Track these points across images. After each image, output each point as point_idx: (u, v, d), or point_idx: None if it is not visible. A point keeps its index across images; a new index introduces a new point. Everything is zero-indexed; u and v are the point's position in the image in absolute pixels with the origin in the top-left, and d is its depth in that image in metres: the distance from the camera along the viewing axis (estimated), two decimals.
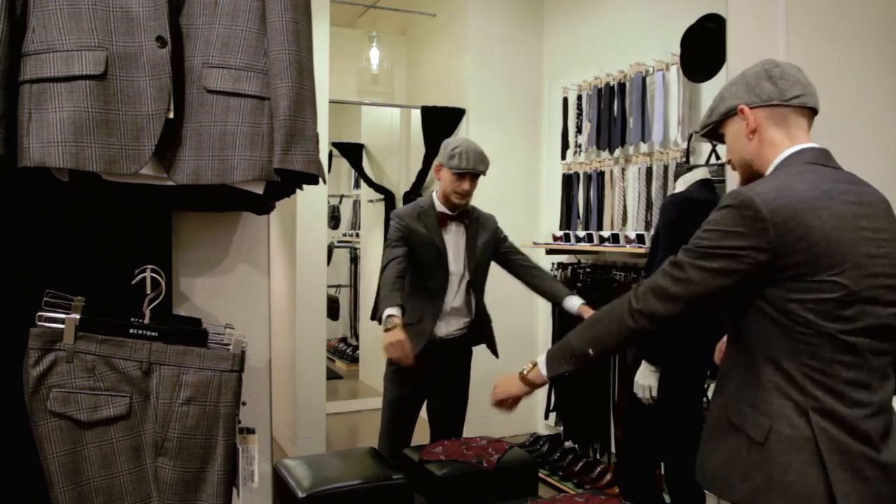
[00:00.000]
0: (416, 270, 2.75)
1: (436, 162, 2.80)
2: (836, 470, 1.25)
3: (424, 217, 2.76)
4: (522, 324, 4.65)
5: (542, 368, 1.62)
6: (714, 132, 1.52)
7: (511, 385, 1.67)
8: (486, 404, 4.91)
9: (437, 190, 2.82)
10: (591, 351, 1.50)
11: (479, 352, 3.01)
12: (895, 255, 1.33)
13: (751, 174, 1.45)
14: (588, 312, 2.75)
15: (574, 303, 2.85)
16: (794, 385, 1.29)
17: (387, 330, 2.51)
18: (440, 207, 2.79)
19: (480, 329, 2.94)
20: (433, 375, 2.81)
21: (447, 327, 2.82)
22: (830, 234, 1.26)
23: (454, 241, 2.80)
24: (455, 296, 2.82)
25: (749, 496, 1.31)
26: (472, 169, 2.69)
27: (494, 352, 3.00)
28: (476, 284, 2.88)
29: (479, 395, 4.51)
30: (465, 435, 2.93)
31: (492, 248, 2.90)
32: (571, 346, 1.55)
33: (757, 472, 1.31)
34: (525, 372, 1.67)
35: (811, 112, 1.42)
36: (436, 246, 2.74)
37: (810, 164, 1.35)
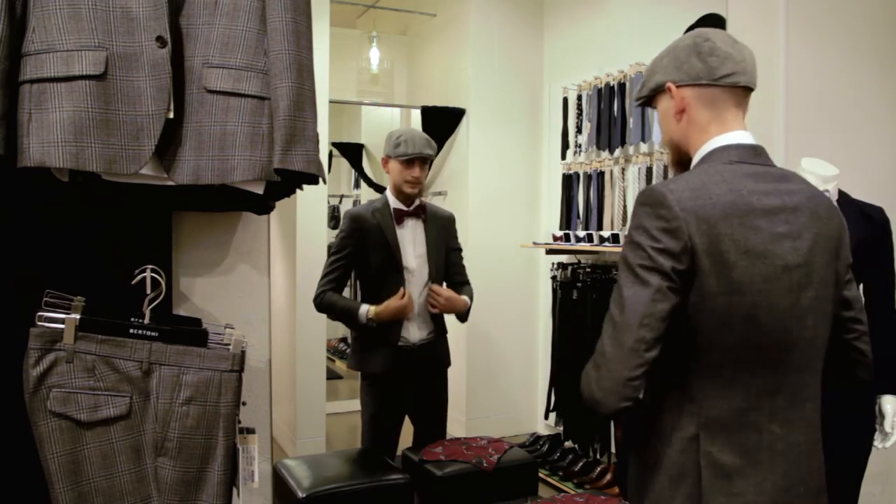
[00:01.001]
0: (372, 273, 2.66)
1: (382, 155, 2.74)
2: (714, 493, 1.18)
3: (378, 215, 2.67)
4: (523, 324, 4.65)
5: None
6: (647, 105, 1.41)
7: None
8: (486, 404, 4.92)
9: (389, 186, 2.75)
10: None
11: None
12: (813, 262, 1.23)
13: (679, 155, 1.36)
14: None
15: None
16: (693, 406, 1.21)
17: (378, 318, 2.55)
18: (395, 203, 2.70)
19: (438, 338, 2.78)
20: (409, 386, 2.70)
21: (418, 332, 2.70)
22: (740, 245, 1.16)
23: (411, 237, 2.70)
24: (419, 297, 2.69)
25: None
26: (419, 153, 2.63)
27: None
28: (439, 283, 2.76)
29: (479, 396, 4.51)
30: (465, 435, 2.93)
31: (443, 247, 2.78)
32: None
33: (648, 495, 1.27)
34: None
35: (745, 90, 1.29)
36: (388, 245, 2.64)
37: (734, 164, 1.24)
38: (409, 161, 2.65)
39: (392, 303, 2.57)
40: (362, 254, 2.65)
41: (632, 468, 1.33)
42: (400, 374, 2.65)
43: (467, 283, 2.85)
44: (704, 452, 1.19)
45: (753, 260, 1.17)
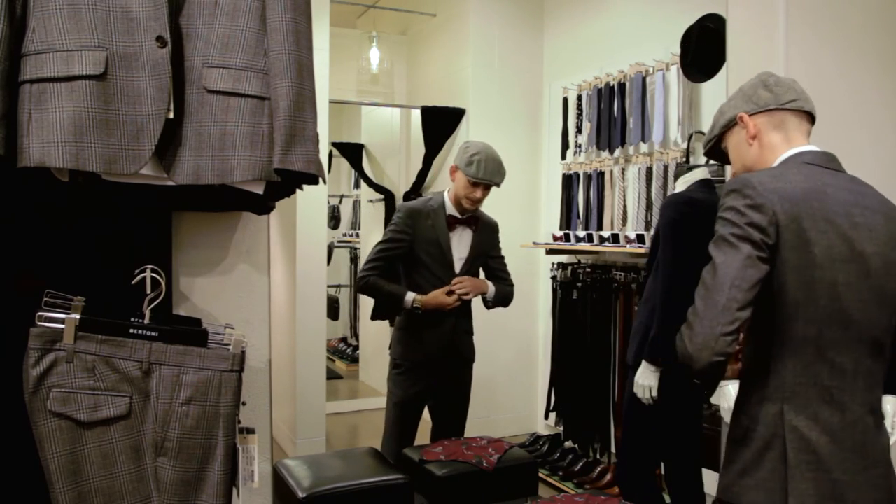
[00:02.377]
0: (421, 270, 2.76)
1: (453, 162, 2.80)
2: (801, 467, 1.26)
3: (434, 216, 2.77)
4: (523, 324, 4.65)
5: None
6: (717, 148, 1.57)
7: None
8: (486, 404, 4.93)
9: (449, 190, 2.83)
10: None
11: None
12: (889, 256, 1.33)
13: None
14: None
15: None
16: (776, 381, 1.30)
17: (424, 306, 2.66)
18: (450, 209, 2.80)
19: (470, 338, 2.95)
20: (438, 377, 2.82)
21: (454, 335, 2.83)
22: (819, 225, 1.27)
23: (458, 243, 2.81)
24: (461, 302, 2.83)
25: (725, 489, 1.35)
26: (488, 180, 2.70)
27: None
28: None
29: (479, 396, 4.52)
30: (466, 435, 2.93)
31: (485, 255, 2.92)
32: None
33: (733, 467, 1.35)
34: None
35: (808, 116, 1.46)
36: (441, 247, 2.75)
37: (808, 164, 1.37)
38: (476, 183, 2.72)
39: (439, 296, 2.70)
40: (412, 248, 2.74)
41: (725, 446, 1.42)
42: (438, 366, 2.79)
43: (507, 282, 2.98)
44: (790, 427, 1.27)
45: (833, 239, 1.28)
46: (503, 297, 2.93)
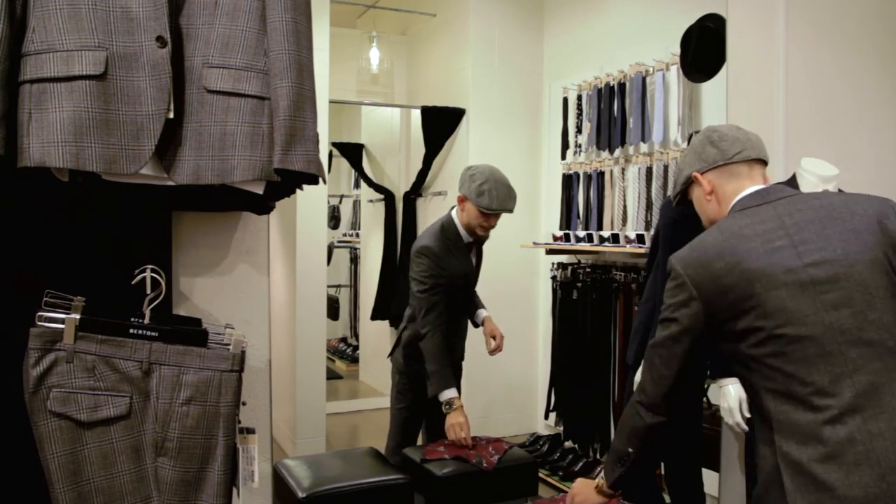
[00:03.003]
0: (450, 304, 2.69)
1: (459, 192, 2.63)
2: (801, 491, 1.26)
3: (455, 250, 2.68)
4: (522, 324, 4.65)
5: (604, 479, 1.69)
6: (684, 200, 1.65)
7: (590, 496, 1.71)
8: (486, 404, 4.91)
9: (457, 216, 2.69)
10: (630, 450, 1.58)
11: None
12: (832, 258, 1.33)
13: None
14: (489, 322, 2.88)
15: (479, 316, 2.93)
16: (768, 414, 1.34)
17: (447, 412, 2.54)
18: (467, 238, 2.70)
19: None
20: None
21: (460, 345, 2.90)
22: (735, 269, 1.34)
23: (470, 266, 2.83)
24: (464, 322, 2.89)
25: None
26: (502, 209, 2.58)
27: None
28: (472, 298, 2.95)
29: (479, 396, 4.51)
30: None
31: (480, 267, 2.94)
32: (616, 450, 1.62)
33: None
34: (599, 484, 1.71)
35: (758, 161, 1.53)
36: (467, 277, 2.76)
37: (736, 212, 1.45)
38: (490, 213, 2.60)
39: (462, 420, 2.53)
40: (445, 285, 2.64)
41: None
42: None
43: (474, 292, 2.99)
44: (782, 454, 1.30)
45: (752, 276, 1.33)
46: (475, 306, 2.98)
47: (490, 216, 2.60)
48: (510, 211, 2.63)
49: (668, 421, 1.49)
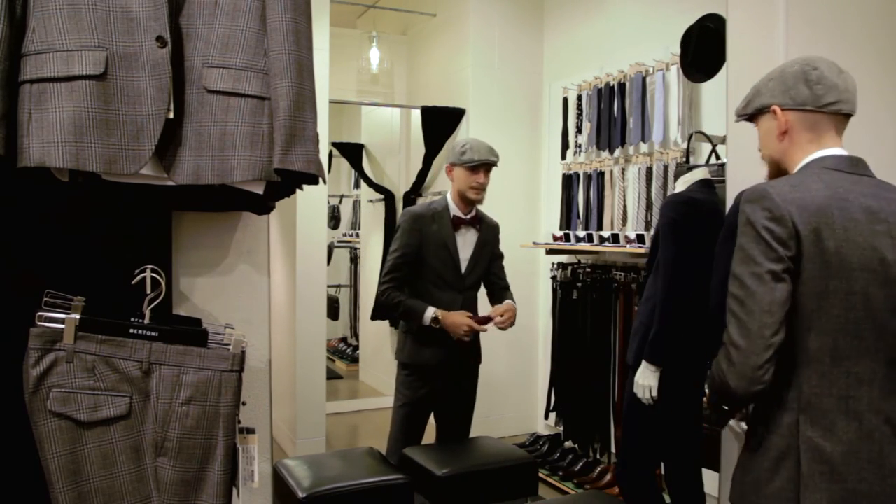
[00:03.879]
0: (429, 274, 2.77)
1: (446, 163, 2.84)
2: (814, 477, 1.25)
3: (439, 219, 2.79)
4: (523, 324, 4.64)
5: None
6: (750, 120, 1.53)
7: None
8: (486, 404, 4.91)
9: (450, 192, 2.86)
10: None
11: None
12: None
13: (778, 171, 1.47)
14: (506, 303, 2.87)
15: (503, 301, 2.93)
16: (791, 392, 1.30)
17: (438, 324, 2.64)
18: (455, 210, 2.83)
19: (477, 336, 2.94)
20: (446, 379, 2.82)
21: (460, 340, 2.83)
22: (838, 234, 1.26)
23: (464, 244, 2.83)
24: (465, 299, 2.85)
25: (741, 497, 1.36)
26: (486, 159, 2.75)
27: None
28: (477, 288, 2.92)
29: (479, 396, 4.52)
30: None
31: (489, 255, 2.92)
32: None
33: (747, 476, 1.35)
34: None
35: (846, 117, 1.41)
36: (448, 250, 2.76)
37: (829, 169, 1.35)
38: (475, 167, 2.76)
39: (457, 317, 2.68)
40: (420, 253, 2.75)
41: (740, 455, 1.42)
42: (448, 368, 2.79)
43: (507, 287, 2.98)
44: (805, 438, 1.27)
45: (852, 248, 1.26)
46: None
47: (477, 172, 2.77)
48: (494, 163, 2.79)
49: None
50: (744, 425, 1.81)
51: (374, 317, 5.24)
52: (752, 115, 1.49)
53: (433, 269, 2.76)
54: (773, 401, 1.33)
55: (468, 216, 2.84)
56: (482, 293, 2.99)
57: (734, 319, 1.29)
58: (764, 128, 1.47)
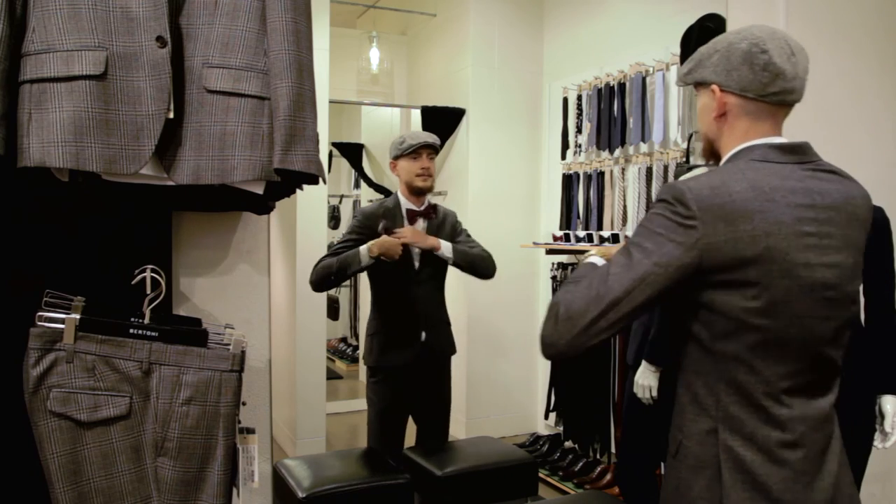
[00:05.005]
0: (384, 275, 2.72)
1: (390, 161, 2.81)
2: (736, 488, 1.19)
3: (391, 215, 2.74)
4: (523, 324, 4.65)
5: None
6: (688, 85, 1.41)
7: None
8: (486, 404, 4.91)
9: (399, 188, 2.81)
10: None
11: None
12: (843, 263, 1.23)
13: (711, 151, 1.37)
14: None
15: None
16: (709, 399, 1.23)
17: (375, 256, 2.60)
18: (407, 204, 2.77)
19: (447, 329, 2.89)
20: (417, 378, 2.78)
21: (428, 332, 2.78)
22: (759, 241, 1.16)
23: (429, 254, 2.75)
24: (428, 295, 2.79)
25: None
26: (423, 142, 2.72)
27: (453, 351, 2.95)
28: (438, 279, 2.85)
29: (479, 396, 4.50)
30: (466, 435, 2.93)
31: (450, 241, 2.84)
32: None
33: (669, 483, 1.31)
34: None
35: (790, 105, 1.30)
36: (404, 247, 2.68)
37: (757, 162, 1.24)
38: (416, 152, 2.72)
39: (385, 240, 2.63)
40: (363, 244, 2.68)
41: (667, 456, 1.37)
42: (417, 366, 2.74)
43: (484, 254, 2.85)
44: (724, 447, 1.21)
45: (774, 254, 1.17)
46: (466, 255, 2.78)
47: (419, 157, 2.72)
48: (434, 145, 2.75)
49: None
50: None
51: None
52: (692, 84, 1.37)
53: (387, 264, 2.66)
54: (689, 406, 1.27)
55: (422, 208, 2.78)
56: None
57: (586, 289, 1.21)
58: (702, 101, 1.35)
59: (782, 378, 1.20)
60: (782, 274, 1.18)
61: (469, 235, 2.91)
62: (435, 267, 2.79)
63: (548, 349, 1.26)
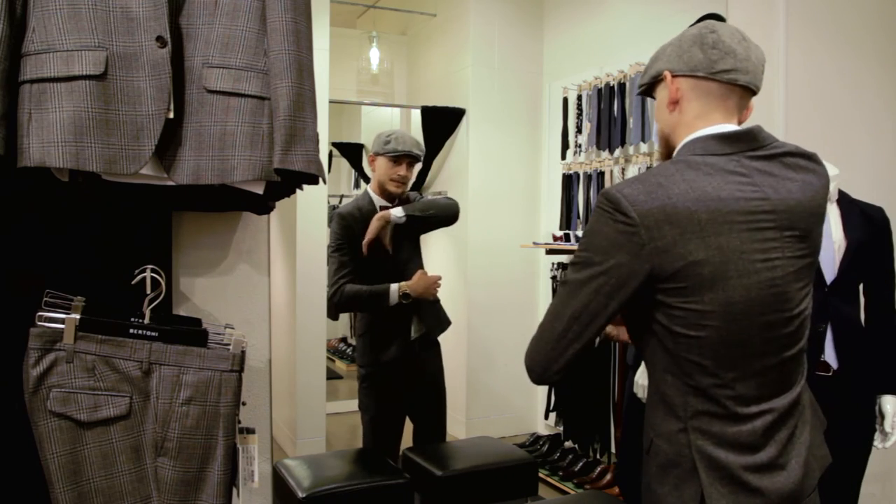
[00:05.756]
0: (368, 273, 2.67)
1: (370, 153, 2.77)
2: (715, 485, 1.18)
3: (364, 213, 2.69)
4: (523, 324, 4.65)
5: None
6: (648, 93, 1.37)
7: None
8: (486, 404, 4.92)
9: (370, 185, 2.78)
10: None
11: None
12: (797, 261, 1.21)
13: (668, 149, 1.32)
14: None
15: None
16: (677, 399, 1.22)
17: (410, 299, 2.59)
18: (380, 202, 2.74)
19: (438, 315, 2.84)
20: (409, 381, 2.76)
21: (419, 313, 2.75)
22: (710, 242, 1.13)
23: (396, 233, 2.70)
24: (410, 276, 2.72)
25: (642, 497, 1.32)
26: (409, 151, 2.68)
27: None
28: (419, 258, 2.82)
29: (479, 396, 4.51)
30: (466, 435, 2.93)
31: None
32: None
33: (643, 480, 1.30)
34: None
35: (744, 90, 1.24)
36: (380, 241, 2.65)
37: (697, 157, 1.19)
38: (397, 159, 2.68)
39: (423, 281, 2.63)
40: (355, 250, 2.66)
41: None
42: (410, 355, 2.72)
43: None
44: (696, 447, 1.20)
45: (728, 255, 1.14)
46: (416, 206, 2.71)
47: (399, 164, 2.68)
48: (418, 158, 2.71)
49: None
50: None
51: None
52: (650, 85, 1.33)
53: (371, 264, 2.65)
54: (659, 406, 1.25)
55: (395, 202, 2.73)
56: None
57: (547, 316, 1.23)
58: (659, 98, 1.30)
59: (744, 379, 1.19)
60: (737, 273, 1.15)
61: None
62: (408, 246, 2.76)
63: (530, 374, 1.27)
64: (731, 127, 1.23)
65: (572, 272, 1.21)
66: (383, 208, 2.70)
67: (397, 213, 2.64)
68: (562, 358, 1.22)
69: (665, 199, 1.13)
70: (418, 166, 2.75)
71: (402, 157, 2.68)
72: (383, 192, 2.73)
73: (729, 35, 1.22)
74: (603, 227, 1.17)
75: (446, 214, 2.75)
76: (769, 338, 1.19)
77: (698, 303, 1.15)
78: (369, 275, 2.66)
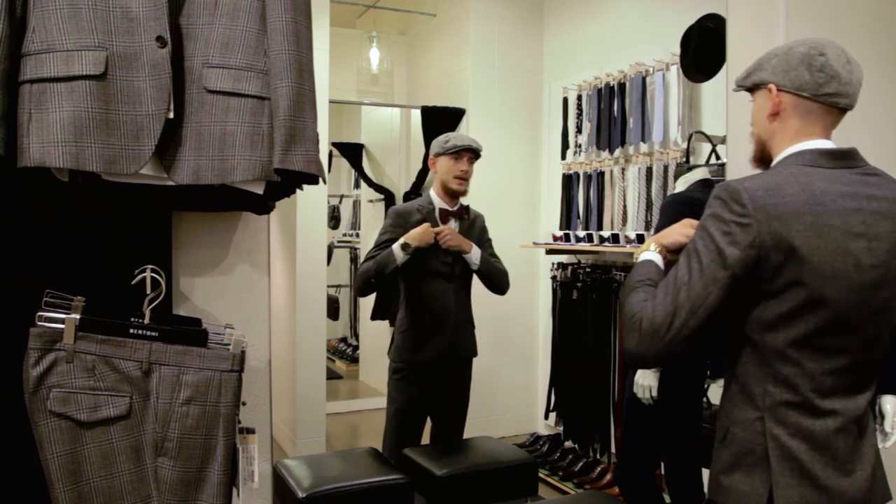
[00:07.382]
0: (419, 267, 2.74)
1: (431, 157, 2.85)
2: (784, 474, 1.26)
3: (426, 213, 2.78)
4: (523, 324, 4.65)
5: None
6: (748, 91, 1.48)
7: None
8: (486, 404, 4.92)
9: (433, 188, 2.86)
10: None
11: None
12: (891, 265, 1.29)
13: (762, 153, 1.44)
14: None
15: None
16: (756, 388, 1.30)
17: (412, 249, 2.65)
18: (440, 204, 2.82)
19: (472, 330, 2.93)
20: (440, 378, 2.81)
21: (455, 332, 2.82)
22: (811, 241, 1.23)
23: (459, 256, 2.80)
24: (456, 296, 2.82)
25: (710, 488, 1.39)
26: (468, 145, 2.76)
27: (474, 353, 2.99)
28: (467, 277, 2.90)
29: (479, 396, 4.52)
30: (466, 435, 2.93)
31: (477, 244, 2.89)
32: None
33: (715, 467, 1.37)
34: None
35: (841, 111, 1.36)
36: (436, 244, 2.74)
37: (807, 167, 1.31)
38: (458, 154, 2.76)
39: (421, 231, 2.69)
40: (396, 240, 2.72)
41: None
42: (442, 364, 2.78)
43: (498, 261, 2.94)
44: (771, 436, 1.28)
45: (825, 255, 1.24)
46: (491, 268, 2.86)
47: (461, 159, 2.76)
48: (478, 152, 2.79)
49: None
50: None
51: (374, 317, 5.24)
52: (749, 87, 1.44)
53: (422, 261, 2.72)
54: (737, 394, 1.34)
55: (455, 208, 2.83)
56: (478, 284, 2.96)
57: (661, 304, 1.28)
58: (758, 103, 1.42)
59: (826, 374, 1.27)
60: (834, 274, 1.24)
61: (492, 244, 2.98)
62: (465, 267, 2.84)
63: (637, 361, 1.33)
64: (831, 144, 1.35)
65: (688, 263, 1.29)
66: (443, 210, 2.80)
67: (475, 257, 2.80)
68: (675, 350, 1.29)
69: (779, 197, 1.25)
70: (476, 164, 2.87)
71: (463, 152, 2.76)
72: (446, 192, 2.81)
73: (836, 58, 1.32)
74: (716, 219, 1.27)
75: (500, 289, 2.91)
76: (855, 337, 1.28)
77: (795, 298, 1.24)
78: (421, 266, 2.73)
